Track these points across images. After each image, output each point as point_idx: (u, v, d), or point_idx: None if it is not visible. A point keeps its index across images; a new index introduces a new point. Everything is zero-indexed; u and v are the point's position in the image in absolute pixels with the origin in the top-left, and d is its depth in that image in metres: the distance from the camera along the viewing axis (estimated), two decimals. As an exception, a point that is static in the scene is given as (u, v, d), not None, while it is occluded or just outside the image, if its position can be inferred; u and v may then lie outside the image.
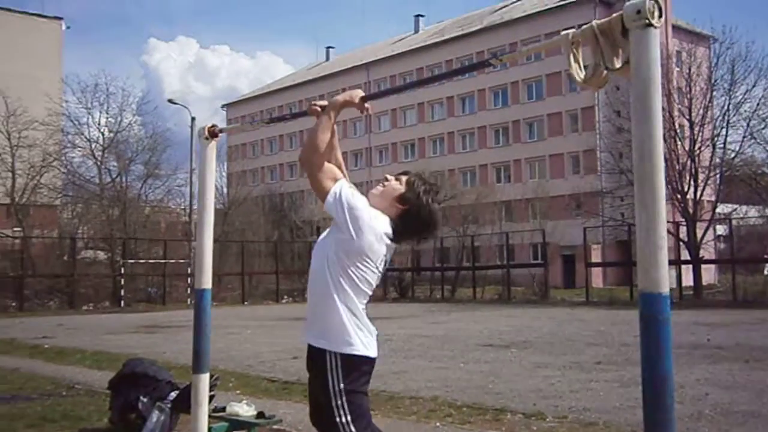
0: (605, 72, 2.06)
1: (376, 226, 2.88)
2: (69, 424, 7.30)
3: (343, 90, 3.23)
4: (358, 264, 2.87)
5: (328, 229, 3.03)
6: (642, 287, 1.90)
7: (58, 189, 38.30)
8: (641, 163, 1.93)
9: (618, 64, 2.03)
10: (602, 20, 2.03)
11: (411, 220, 2.98)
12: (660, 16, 1.94)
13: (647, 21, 1.92)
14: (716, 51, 32.14)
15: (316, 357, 2.94)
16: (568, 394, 8.52)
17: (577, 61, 2.12)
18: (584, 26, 2.09)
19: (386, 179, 3.08)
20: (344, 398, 2.85)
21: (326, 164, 2.93)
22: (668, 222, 29.46)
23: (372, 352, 2.96)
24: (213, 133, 3.52)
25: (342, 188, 2.90)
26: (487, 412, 7.63)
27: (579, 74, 2.11)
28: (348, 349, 2.89)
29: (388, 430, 6.91)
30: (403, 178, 3.07)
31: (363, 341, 2.93)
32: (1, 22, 49.78)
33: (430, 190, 3.04)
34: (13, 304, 28.38)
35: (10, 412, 7.98)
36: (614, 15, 2.03)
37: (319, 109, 3.15)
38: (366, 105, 3.03)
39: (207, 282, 3.44)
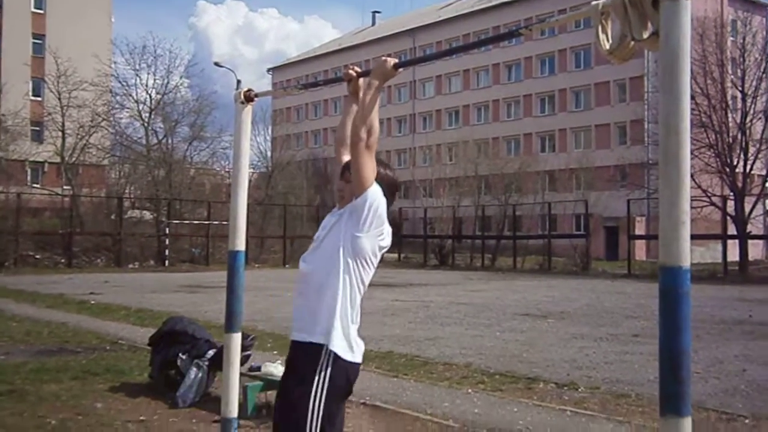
0: (632, 43, 2.04)
1: (387, 230, 2.94)
2: (111, 378, 7.54)
3: (389, 56, 3.22)
4: (365, 261, 2.89)
5: (338, 214, 2.97)
6: (662, 261, 1.89)
7: (106, 149, 38.98)
8: (667, 137, 1.91)
9: (645, 36, 2.01)
10: (632, -9, 2.00)
11: (384, 198, 2.96)
12: (692, -13, 1.90)
13: (679, -8, 1.90)
14: (773, 20, 31.15)
15: (307, 351, 2.83)
16: (602, 366, 8.51)
17: (605, 31, 2.10)
18: (616, -4, 2.06)
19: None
20: (323, 403, 2.77)
21: (374, 150, 2.90)
22: (716, 196, 28.96)
23: (360, 359, 2.93)
24: (248, 97, 3.56)
25: (379, 193, 2.88)
26: (519, 380, 7.67)
27: (606, 44, 2.09)
28: (347, 355, 2.83)
29: (421, 394, 7.02)
30: None
31: (359, 347, 2.90)
32: (52, -16, 50.43)
33: (382, 164, 3.03)
34: (62, 260, 29.16)
35: (57, 364, 8.27)
36: (645, -15, 2.00)
37: (353, 74, 3.15)
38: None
39: (240, 244, 3.51)
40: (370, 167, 2.85)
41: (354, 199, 2.87)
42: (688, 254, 1.90)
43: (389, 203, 2.98)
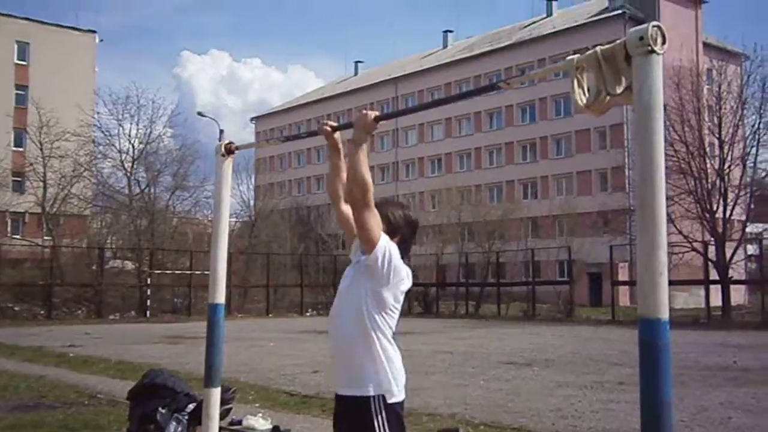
0: (607, 98, 2.07)
1: (406, 274, 3.00)
2: (89, 433, 7.39)
3: (371, 105, 3.25)
4: (389, 310, 2.96)
5: (352, 271, 3.05)
6: (641, 312, 1.90)
7: (88, 199, 38.81)
8: (643, 187, 1.94)
9: (619, 90, 2.05)
10: (606, 46, 2.04)
11: (406, 238, 3.10)
12: (663, 43, 1.95)
13: (650, 48, 1.94)
14: (747, 69, 31.77)
15: (359, 403, 2.90)
16: (587, 415, 8.45)
17: (581, 86, 2.13)
18: (588, 52, 2.10)
19: None
20: None
21: (374, 205, 2.92)
22: (696, 242, 29.16)
23: (403, 394, 3.03)
24: (229, 149, 3.58)
25: (388, 244, 2.92)
26: (504, 430, 7.59)
27: (581, 99, 2.13)
28: (392, 397, 2.93)
29: (405, 446, 6.90)
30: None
31: (401, 382, 3.01)
32: (36, 35, 50.81)
33: (400, 206, 3.20)
34: (42, 312, 28.76)
35: (33, 419, 8.10)
36: (617, 41, 2.04)
37: (328, 129, 3.18)
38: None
39: (221, 296, 3.48)
40: (374, 223, 2.88)
41: (365, 255, 2.91)
42: (666, 306, 1.91)
43: (410, 242, 3.11)
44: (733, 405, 9.01)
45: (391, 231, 3.01)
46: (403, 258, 2.99)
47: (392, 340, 2.97)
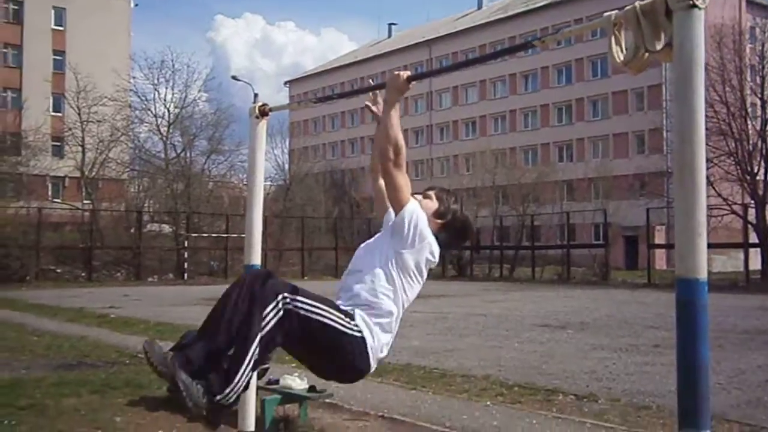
0: (646, 54, 2.03)
1: (433, 246, 2.96)
2: (130, 392, 7.56)
3: (404, 68, 3.23)
4: (410, 276, 2.92)
5: (376, 236, 3.06)
6: (679, 273, 1.88)
7: (125, 163, 39.37)
8: (681, 147, 1.90)
9: (659, 47, 2.00)
10: (645, 1, 1.99)
11: (450, 231, 3.08)
12: (705, -3, 1.89)
13: (692, 2, 1.88)
14: (792, 27, 30.86)
15: (345, 312, 2.82)
16: (622, 377, 8.43)
17: (618, 43, 2.09)
18: (627, 7, 2.05)
19: (418, 197, 3.08)
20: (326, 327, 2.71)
21: (404, 167, 2.93)
22: (736, 204, 28.67)
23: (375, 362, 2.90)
24: (263, 111, 3.58)
25: (417, 209, 2.92)
26: (538, 392, 7.61)
27: (619, 56, 2.08)
28: (371, 343, 2.82)
29: (440, 407, 6.98)
30: (432, 194, 3.12)
31: (380, 354, 2.90)
32: (73, 1, 51.07)
33: (458, 201, 3.13)
34: (83, 274, 29.39)
35: (77, 377, 8.31)
36: (658, -5, 1.99)
37: (373, 108, 3.19)
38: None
39: (256, 257, 3.51)
40: (403, 183, 2.88)
41: (396, 220, 2.91)
42: (704, 266, 1.88)
43: (460, 244, 3.14)
44: (771, 369, 8.92)
45: (438, 213, 3.03)
46: (443, 250, 3.01)
47: (402, 306, 2.91)
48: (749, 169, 29.02)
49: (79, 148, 37.30)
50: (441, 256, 3.05)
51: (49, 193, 42.00)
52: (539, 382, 8.10)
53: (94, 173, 37.28)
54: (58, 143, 43.14)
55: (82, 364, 9.50)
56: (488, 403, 7.16)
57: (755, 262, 27.86)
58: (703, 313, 1.86)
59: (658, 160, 42.50)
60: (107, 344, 11.35)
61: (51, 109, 46.24)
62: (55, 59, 49.87)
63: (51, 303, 18.50)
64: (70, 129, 38.45)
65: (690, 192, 1.89)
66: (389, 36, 77.03)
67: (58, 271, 29.28)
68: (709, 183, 26.08)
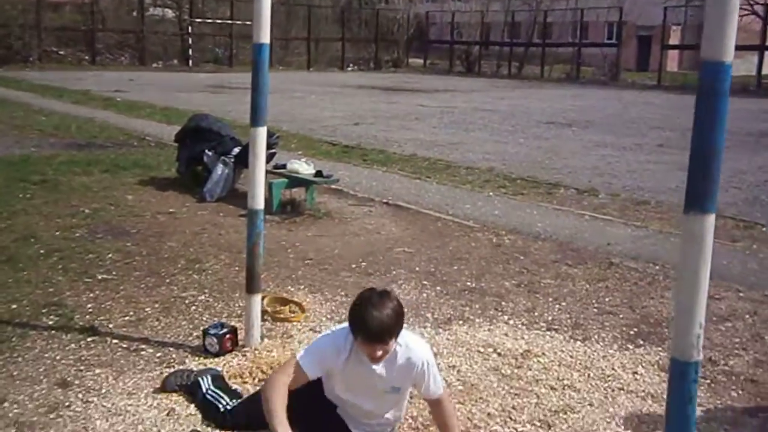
0: None
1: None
2: (140, 172, 7.72)
3: None
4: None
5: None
6: (704, 55, 1.81)
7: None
8: None
9: None
10: None
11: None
12: None
13: None
14: None
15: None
16: (624, 174, 8.56)
17: None
18: None
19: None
20: None
21: None
22: (758, 4, 27.61)
23: None
24: None
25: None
26: (540, 185, 7.76)
27: None
28: None
29: (443, 196, 7.15)
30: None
31: None
32: None
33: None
34: (86, 57, 28.99)
35: (87, 157, 8.45)
36: None
37: None
38: None
39: (265, 36, 3.41)
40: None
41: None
42: (731, 50, 1.82)
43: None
44: (771, 170, 9.03)
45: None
46: None
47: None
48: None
49: None
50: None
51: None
52: (541, 176, 8.24)
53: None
54: None
55: (92, 144, 9.62)
56: (490, 193, 7.33)
57: (768, 66, 27.29)
58: (724, 97, 1.82)
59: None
60: (115, 126, 11.42)
61: None
62: None
63: (56, 84, 18.38)
64: None
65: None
66: None
67: (61, 53, 28.82)
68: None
